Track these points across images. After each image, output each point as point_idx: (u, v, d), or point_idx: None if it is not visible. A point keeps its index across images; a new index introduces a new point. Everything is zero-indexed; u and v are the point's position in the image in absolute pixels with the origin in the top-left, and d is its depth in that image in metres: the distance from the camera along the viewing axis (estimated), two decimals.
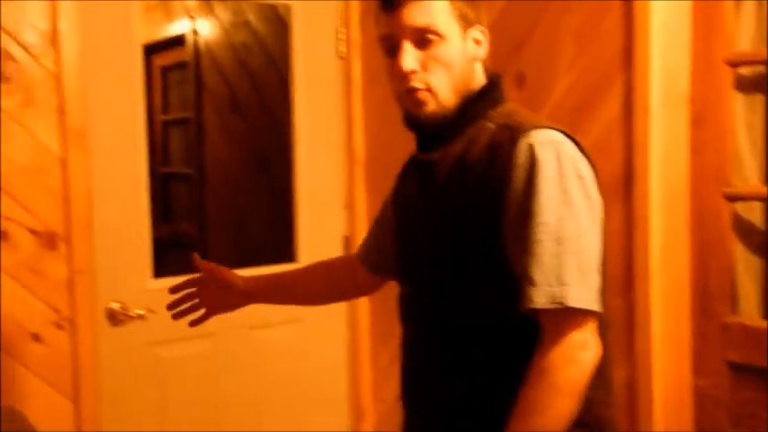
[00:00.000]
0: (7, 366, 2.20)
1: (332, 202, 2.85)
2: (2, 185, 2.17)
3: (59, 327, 2.27)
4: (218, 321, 2.57)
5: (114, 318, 2.40)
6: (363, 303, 2.86)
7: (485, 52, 1.42)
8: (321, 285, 1.84)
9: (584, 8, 2.15)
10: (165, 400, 2.54)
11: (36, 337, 2.24)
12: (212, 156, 3.54)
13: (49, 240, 2.24)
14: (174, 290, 1.80)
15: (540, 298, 1.22)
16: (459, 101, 1.38)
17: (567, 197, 1.25)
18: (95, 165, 2.33)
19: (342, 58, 2.82)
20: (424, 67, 1.36)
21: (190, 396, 2.59)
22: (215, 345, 2.64)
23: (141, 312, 2.41)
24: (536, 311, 1.24)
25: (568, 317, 1.23)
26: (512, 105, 1.43)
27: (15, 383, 2.21)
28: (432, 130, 1.41)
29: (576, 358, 1.23)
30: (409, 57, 1.35)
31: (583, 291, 1.23)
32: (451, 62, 1.36)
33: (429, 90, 1.37)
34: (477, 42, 1.41)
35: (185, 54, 3.44)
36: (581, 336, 1.24)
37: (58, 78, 2.23)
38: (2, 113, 2.16)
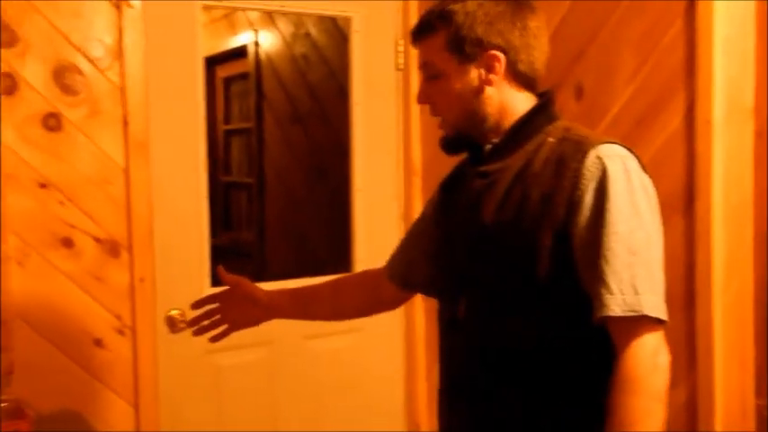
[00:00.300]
0: (71, 370, 2.26)
1: (389, 213, 2.86)
2: (68, 194, 2.24)
3: (121, 333, 2.33)
4: (275, 330, 2.61)
5: (174, 325, 2.44)
6: (419, 315, 2.85)
7: (499, 75, 1.41)
8: (345, 301, 1.83)
9: (645, 19, 2.11)
10: (222, 406, 2.58)
11: (98, 343, 2.30)
12: (272, 165, 3.59)
13: (111, 248, 2.30)
14: (196, 305, 1.82)
15: (617, 306, 1.25)
16: (469, 127, 1.45)
17: (636, 209, 1.28)
18: (157, 175, 2.39)
19: (400, 69, 2.83)
20: (432, 99, 1.47)
21: (246, 404, 2.62)
22: (271, 353, 2.67)
23: None
24: (608, 320, 1.26)
25: (643, 324, 1.26)
26: (566, 122, 1.46)
27: (78, 387, 2.27)
28: (451, 152, 1.49)
29: (656, 363, 1.26)
30: (419, 91, 1.49)
31: (655, 300, 1.27)
32: (449, 96, 1.44)
33: (442, 117, 1.48)
34: (491, 68, 1.41)
35: (247, 65, 3.51)
36: (655, 341, 1.27)
37: (122, 91, 2.29)
38: (69, 125, 2.23)
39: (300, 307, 1.84)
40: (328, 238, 3.17)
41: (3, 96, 2.14)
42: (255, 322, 1.84)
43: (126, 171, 2.31)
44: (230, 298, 1.80)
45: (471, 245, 1.45)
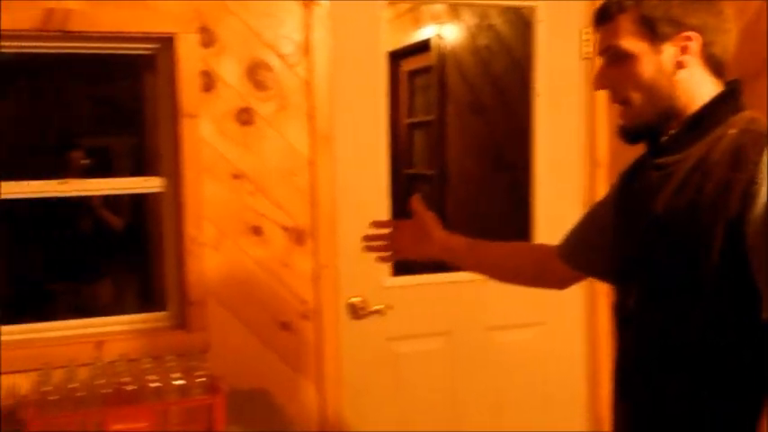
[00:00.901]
0: (260, 350, 2.40)
1: (571, 205, 2.79)
2: (258, 185, 2.37)
3: (305, 317, 2.44)
4: (454, 320, 2.66)
5: (355, 312, 2.53)
6: (602, 307, 2.78)
7: (694, 57, 1.36)
8: (515, 263, 1.85)
9: None
10: (400, 392, 2.63)
11: (285, 326, 2.42)
12: (453, 157, 3.61)
13: (297, 236, 2.42)
14: (375, 224, 1.93)
15: None
16: (661, 112, 1.38)
17: None
18: (340, 166, 2.47)
19: (585, 59, 2.75)
20: (615, 84, 1.41)
21: (425, 391, 2.66)
22: (450, 343, 2.69)
23: (380, 308, 2.52)
24: None
25: None
26: (753, 113, 1.38)
27: (266, 367, 2.41)
28: (631, 141, 1.43)
29: None
30: (599, 75, 1.43)
31: None
32: (639, 79, 1.37)
33: (626, 103, 1.41)
34: (685, 49, 1.35)
35: (430, 58, 3.54)
36: None
37: (309, 85, 2.39)
38: (260, 119, 2.36)
39: (473, 256, 1.87)
40: (509, 230, 3.14)
41: (202, 93, 2.29)
42: (425, 256, 1.90)
43: (312, 163, 2.41)
44: (410, 227, 1.89)
45: (643, 234, 1.41)
